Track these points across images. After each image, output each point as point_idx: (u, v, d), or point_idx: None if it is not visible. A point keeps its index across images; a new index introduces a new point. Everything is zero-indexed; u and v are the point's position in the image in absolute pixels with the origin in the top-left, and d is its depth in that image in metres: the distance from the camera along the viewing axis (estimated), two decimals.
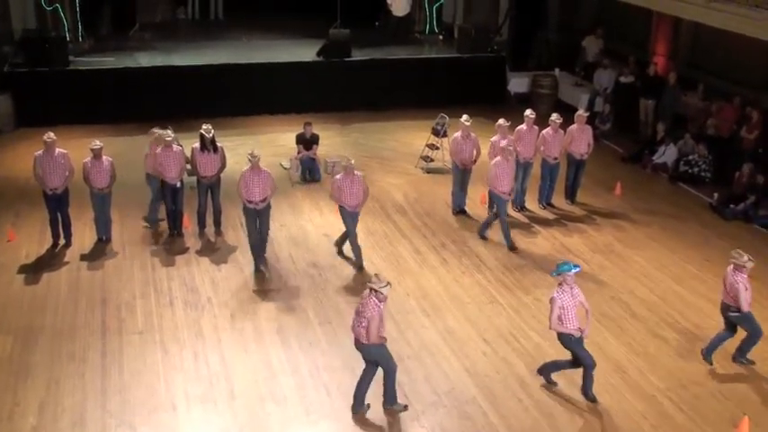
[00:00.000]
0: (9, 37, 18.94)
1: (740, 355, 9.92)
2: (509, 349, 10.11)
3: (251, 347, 10.08)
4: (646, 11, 17.85)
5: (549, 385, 9.38)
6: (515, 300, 11.29)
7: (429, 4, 21.85)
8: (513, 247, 12.68)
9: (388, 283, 8.46)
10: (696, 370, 9.79)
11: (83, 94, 17.63)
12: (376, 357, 8.71)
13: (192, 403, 9.01)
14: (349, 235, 12.11)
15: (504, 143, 12.98)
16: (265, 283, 11.56)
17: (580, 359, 9.08)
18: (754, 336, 9.74)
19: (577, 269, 8.92)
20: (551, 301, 8.87)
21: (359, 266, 12.04)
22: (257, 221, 11.78)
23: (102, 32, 20.75)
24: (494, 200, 12.90)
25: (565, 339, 8.98)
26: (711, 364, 9.85)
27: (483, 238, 13.03)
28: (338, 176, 11.89)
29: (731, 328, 9.78)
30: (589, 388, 9.21)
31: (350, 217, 11.97)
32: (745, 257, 9.41)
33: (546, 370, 9.46)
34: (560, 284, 8.86)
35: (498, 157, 12.61)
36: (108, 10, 21.15)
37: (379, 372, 8.82)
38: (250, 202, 11.61)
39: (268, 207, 11.83)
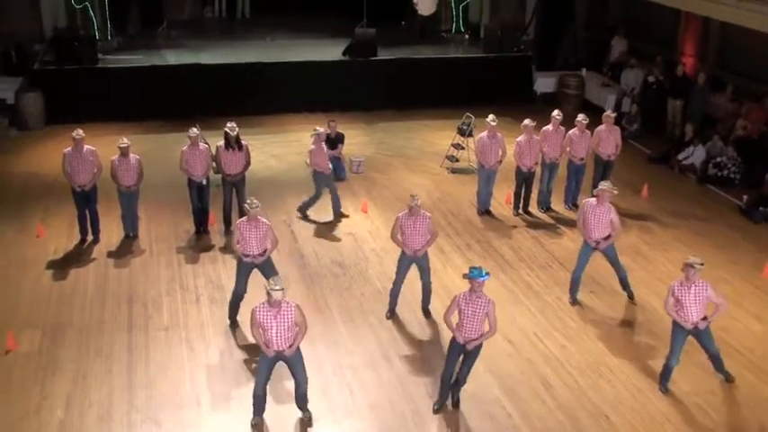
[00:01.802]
0: (40, 36, 19.21)
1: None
2: (533, 350, 10.07)
3: None
4: (674, 10, 17.68)
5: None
6: (540, 301, 11.24)
7: (455, 4, 21.81)
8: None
9: (282, 289, 8.11)
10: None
11: (111, 92, 17.81)
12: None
13: (217, 400, 9.08)
14: (394, 285, 10.64)
15: (606, 184, 10.89)
16: (290, 281, 11.58)
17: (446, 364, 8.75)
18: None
19: (486, 278, 8.37)
20: (453, 298, 8.64)
21: (388, 311, 10.83)
22: (247, 277, 10.28)
23: (131, 31, 20.97)
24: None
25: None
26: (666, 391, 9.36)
27: (629, 296, 11.31)
28: (401, 214, 10.39)
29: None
30: (442, 398, 8.88)
31: (406, 263, 10.45)
32: (698, 260, 8.81)
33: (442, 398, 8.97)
34: (470, 288, 8.42)
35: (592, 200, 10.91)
36: (136, 9, 21.37)
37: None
38: (246, 255, 10.10)
39: (268, 262, 10.32)
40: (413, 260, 10.44)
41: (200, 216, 12.97)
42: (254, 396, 8.59)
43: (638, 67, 18.69)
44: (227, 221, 13.12)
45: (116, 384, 9.27)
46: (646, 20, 19.90)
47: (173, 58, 19.08)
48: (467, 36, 21.82)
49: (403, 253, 10.45)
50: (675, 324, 9.07)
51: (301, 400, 8.73)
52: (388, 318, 10.77)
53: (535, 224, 13.72)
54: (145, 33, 21.05)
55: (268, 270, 10.18)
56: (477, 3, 22.22)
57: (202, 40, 20.79)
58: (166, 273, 11.83)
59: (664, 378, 9.36)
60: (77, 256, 12.26)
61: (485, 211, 13.98)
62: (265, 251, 10.16)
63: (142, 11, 21.52)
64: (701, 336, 9.08)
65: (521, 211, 14.04)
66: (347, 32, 19.78)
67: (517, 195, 13.98)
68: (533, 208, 14.15)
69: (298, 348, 8.47)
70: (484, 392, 9.28)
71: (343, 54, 19.49)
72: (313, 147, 13.23)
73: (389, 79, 19.26)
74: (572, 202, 14.31)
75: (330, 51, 19.77)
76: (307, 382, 8.67)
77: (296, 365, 8.53)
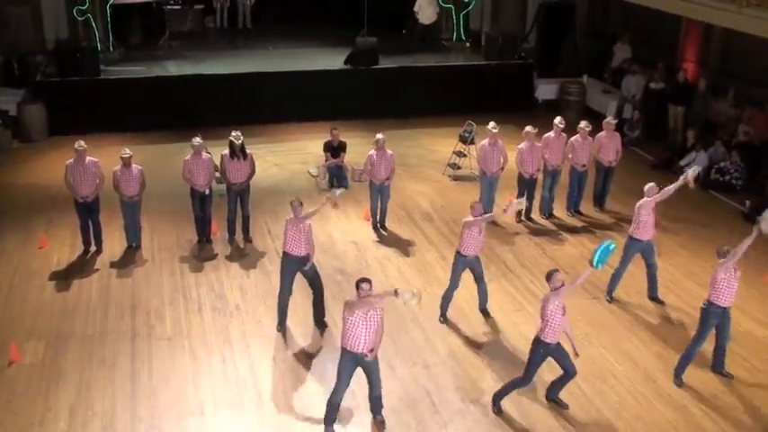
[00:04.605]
0: (42, 47, 19.27)
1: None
2: None
3: (279, 354, 10.13)
4: (675, 17, 17.70)
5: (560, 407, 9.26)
6: None
7: (456, 12, 21.86)
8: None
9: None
10: (728, 380, 9.66)
11: (113, 103, 17.83)
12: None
13: (221, 408, 9.08)
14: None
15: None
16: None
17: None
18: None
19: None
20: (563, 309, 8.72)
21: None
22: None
23: (133, 42, 21.01)
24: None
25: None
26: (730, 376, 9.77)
27: (610, 299, 11.55)
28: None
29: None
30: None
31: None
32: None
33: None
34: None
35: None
36: (138, 20, 21.41)
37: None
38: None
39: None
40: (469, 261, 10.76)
41: (203, 225, 12.98)
42: (330, 404, 8.61)
43: (639, 74, 18.70)
44: (232, 230, 13.12)
45: (119, 394, 9.28)
46: (647, 27, 19.92)
47: (174, 68, 19.11)
48: (468, 44, 21.84)
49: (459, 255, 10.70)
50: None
51: (376, 402, 8.83)
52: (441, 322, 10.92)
53: (537, 231, 13.72)
54: (147, 44, 21.08)
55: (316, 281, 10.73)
56: (477, 11, 22.23)
57: (204, 51, 20.83)
58: (169, 282, 11.84)
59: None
60: (80, 267, 12.27)
61: None
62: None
63: (144, 22, 21.56)
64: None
65: (523, 217, 14.04)
66: (349, 41, 19.82)
67: None
68: (535, 214, 14.15)
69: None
70: (488, 399, 9.25)
71: (345, 63, 19.53)
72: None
73: (391, 87, 19.28)
74: (574, 209, 14.31)
75: (332, 60, 19.81)
76: (380, 386, 8.76)
77: (374, 370, 8.63)
